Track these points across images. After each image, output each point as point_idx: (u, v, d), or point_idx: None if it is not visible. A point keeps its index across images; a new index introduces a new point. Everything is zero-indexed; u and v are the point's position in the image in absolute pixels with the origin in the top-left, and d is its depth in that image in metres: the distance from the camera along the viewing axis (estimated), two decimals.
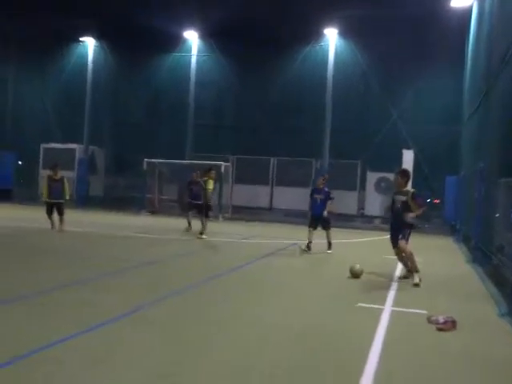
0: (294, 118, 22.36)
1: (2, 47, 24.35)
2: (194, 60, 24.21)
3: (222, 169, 20.15)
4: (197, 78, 24.07)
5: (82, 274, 7.98)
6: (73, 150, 23.79)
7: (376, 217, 20.38)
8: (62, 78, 24.85)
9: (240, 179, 21.74)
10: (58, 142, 23.75)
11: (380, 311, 6.44)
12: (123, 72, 23.90)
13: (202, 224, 13.10)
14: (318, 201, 11.38)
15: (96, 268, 8.62)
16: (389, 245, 8.80)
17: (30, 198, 22.44)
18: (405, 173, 8.66)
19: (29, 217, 16.26)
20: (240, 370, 4.38)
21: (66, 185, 13.36)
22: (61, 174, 13.46)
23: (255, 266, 9.67)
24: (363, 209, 21.29)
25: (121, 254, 10.29)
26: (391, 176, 20.12)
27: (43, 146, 23.88)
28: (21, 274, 7.95)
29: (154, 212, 20.32)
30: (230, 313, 6.16)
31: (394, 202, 8.52)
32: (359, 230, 17.82)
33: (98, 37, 24.61)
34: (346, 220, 19.15)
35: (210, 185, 13.15)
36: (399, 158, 18.68)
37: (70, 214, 14.77)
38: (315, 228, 11.44)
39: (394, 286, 8.22)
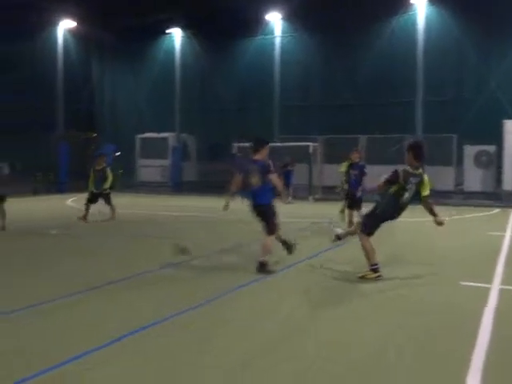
0: (383, 93, 21.65)
1: (97, 43, 25.69)
2: (277, 41, 24.12)
3: (311, 149, 20.01)
4: (281, 59, 23.97)
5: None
6: (166, 139, 24.74)
7: (476, 192, 19.30)
8: (152, 70, 25.80)
9: (329, 159, 21.45)
10: (152, 132, 24.74)
11: (487, 290, 6.12)
12: (209, 59, 24.38)
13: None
14: (353, 177, 10.81)
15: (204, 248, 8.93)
16: (493, 221, 8.31)
17: (129, 187, 23.70)
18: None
19: (128, 204, 17.13)
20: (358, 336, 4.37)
21: (109, 175, 12.87)
22: (103, 164, 13.02)
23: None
24: (461, 184, 20.23)
25: (224, 235, 10.62)
26: (492, 149, 19.07)
27: (138, 136, 25.03)
28: (133, 255, 8.47)
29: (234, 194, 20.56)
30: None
31: None
32: (458, 207, 16.97)
33: (183, 27, 25.22)
34: (442, 197, 18.30)
35: None
36: (499, 130, 17.50)
37: (166, 199, 15.44)
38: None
39: (501, 263, 7.76)
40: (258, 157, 7.38)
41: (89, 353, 4.21)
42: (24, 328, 4.89)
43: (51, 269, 7.53)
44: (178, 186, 23.46)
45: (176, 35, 25.69)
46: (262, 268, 7.03)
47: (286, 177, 17.74)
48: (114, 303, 5.74)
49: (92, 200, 12.73)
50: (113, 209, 12.92)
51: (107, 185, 12.78)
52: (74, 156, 23.66)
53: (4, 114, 21.07)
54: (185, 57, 25.62)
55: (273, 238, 7.34)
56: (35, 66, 22.98)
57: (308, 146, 20.03)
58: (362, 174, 10.81)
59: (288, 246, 7.74)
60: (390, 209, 6.64)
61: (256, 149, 7.44)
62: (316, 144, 20.69)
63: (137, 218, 13.96)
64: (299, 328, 4.93)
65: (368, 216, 6.83)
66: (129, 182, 24.51)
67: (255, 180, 7.28)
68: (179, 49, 25.73)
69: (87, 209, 12.56)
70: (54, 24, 24.35)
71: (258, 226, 7.54)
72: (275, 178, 7.43)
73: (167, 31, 25.53)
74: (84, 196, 13.32)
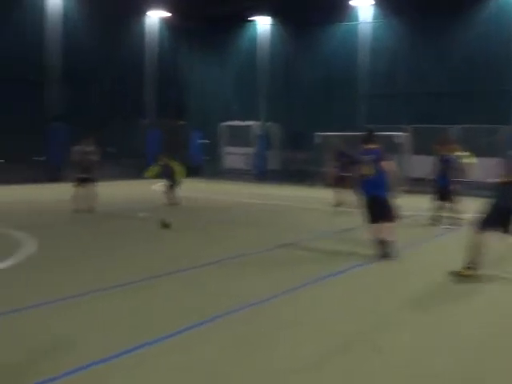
0: (476, 81, 20.42)
1: (186, 32, 26.30)
2: (364, 28, 23.44)
3: (399, 139, 19.38)
4: (368, 45, 23.28)
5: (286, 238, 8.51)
6: (250, 127, 24.98)
7: None
8: (238, 58, 26.06)
9: (418, 149, 20.63)
10: (238, 120, 25.04)
11: None
12: (294, 46, 24.18)
13: None
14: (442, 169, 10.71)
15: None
16: None
17: (215, 174, 24.26)
18: None
19: (213, 190, 17.54)
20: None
21: (176, 169, 13.42)
22: (165, 160, 13.55)
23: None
24: None
25: (314, 223, 10.64)
26: None
27: (223, 124, 25.45)
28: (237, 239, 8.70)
29: (330, 185, 20.34)
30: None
31: None
32: None
33: (269, 14, 25.20)
34: None
35: None
36: None
37: (249, 187, 15.65)
38: None
39: None
40: (371, 146, 7.61)
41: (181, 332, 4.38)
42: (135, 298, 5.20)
43: (156, 246, 8.07)
44: (262, 174, 23.67)
45: (260, 22, 25.73)
46: (385, 249, 7.28)
47: None
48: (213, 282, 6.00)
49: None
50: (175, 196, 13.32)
51: (179, 177, 13.40)
52: (163, 143, 24.56)
53: (100, 102, 22.29)
54: (270, 44, 25.61)
55: (394, 225, 7.51)
56: (129, 55, 23.99)
57: (396, 135, 19.37)
58: (450, 166, 10.46)
59: (384, 250, 7.44)
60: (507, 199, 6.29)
61: (369, 139, 7.70)
62: (405, 134, 19.99)
63: (222, 204, 14.29)
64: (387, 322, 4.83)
65: (485, 211, 6.42)
66: (215, 168, 25.09)
67: (368, 169, 7.45)
68: (264, 36, 25.76)
69: (170, 193, 13.23)
70: (146, 13, 25.23)
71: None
72: (390, 164, 7.49)
73: (251, 18, 25.62)
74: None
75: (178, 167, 13.53)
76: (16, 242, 8.12)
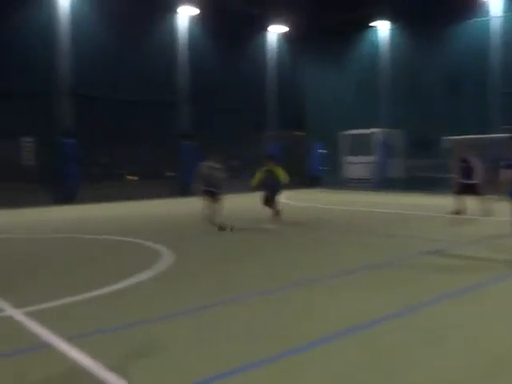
0: None
1: (304, 44, 26.54)
2: (494, 23, 21.86)
3: None
4: (501, 41, 21.67)
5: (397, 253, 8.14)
6: (372, 135, 24.43)
7: None
8: (357, 66, 25.65)
9: None
10: (358, 128, 24.65)
11: None
12: (417, 50, 23.22)
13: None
14: None
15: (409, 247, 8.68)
16: None
17: (336, 183, 24.07)
18: None
19: (335, 200, 17.38)
20: None
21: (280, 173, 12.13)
22: (271, 165, 12.20)
23: None
24: None
25: (436, 233, 10.14)
26: None
27: (344, 133, 25.20)
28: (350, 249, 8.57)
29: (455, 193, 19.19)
30: None
31: None
32: None
33: (389, 19, 24.58)
34: None
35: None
36: None
37: (371, 196, 15.29)
38: None
39: None
40: None
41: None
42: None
43: (287, 256, 8.08)
44: (383, 182, 23.02)
45: (381, 28, 25.15)
46: None
47: None
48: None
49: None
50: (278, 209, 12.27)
51: (283, 179, 12.14)
52: (285, 154, 24.92)
53: (225, 118, 23.22)
54: (391, 50, 24.91)
55: None
56: (251, 70, 24.73)
57: None
58: None
59: None
60: None
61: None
62: None
63: (349, 214, 14.12)
64: None
65: None
66: (335, 178, 24.91)
67: None
68: (385, 42, 25.13)
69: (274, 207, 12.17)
70: (265, 29, 25.91)
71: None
72: None
73: (371, 24, 25.14)
74: (294, 193, 13.90)
75: (281, 171, 12.30)
76: (155, 253, 8.66)
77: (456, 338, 4.55)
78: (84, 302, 5.82)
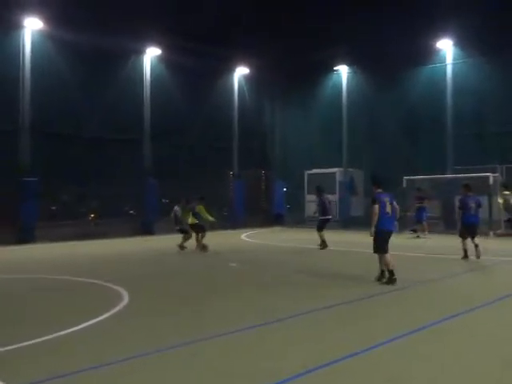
0: None
1: (268, 85, 27.23)
2: (449, 69, 23.04)
3: (490, 180, 18.57)
4: (453, 86, 22.80)
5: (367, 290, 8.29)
6: (334, 174, 24.97)
7: None
8: (320, 107, 26.37)
9: None
10: (320, 168, 25.17)
11: None
12: (377, 92, 24.10)
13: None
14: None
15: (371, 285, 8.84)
16: None
17: (298, 222, 24.33)
18: None
19: (301, 238, 17.60)
20: None
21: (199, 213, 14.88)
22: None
23: None
24: None
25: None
26: None
27: (307, 172, 25.68)
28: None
29: (415, 231, 19.75)
30: None
31: None
32: None
33: (350, 63, 25.54)
34: None
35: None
36: None
37: (335, 234, 15.54)
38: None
39: None
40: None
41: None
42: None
43: (315, 288, 8.09)
44: (346, 221, 23.39)
45: (343, 72, 26.07)
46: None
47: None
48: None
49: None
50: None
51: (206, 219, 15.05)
52: (248, 193, 25.16)
53: (188, 157, 23.34)
54: (352, 92, 25.81)
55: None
56: (215, 108, 25.11)
57: (488, 176, 18.61)
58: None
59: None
60: None
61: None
62: (496, 174, 19.13)
63: (311, 252, 14.30)
64: None
65: None
66: (297, 217, 25.20)
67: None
68: (346, 85, 26.03)
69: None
70: (231, 71, 26.47)
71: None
72: None
73: (335, 68, 26.02)
74: (257, 232, 14.08)
75: (203, 211, 14.91)
76: (114, 294, 8.56)
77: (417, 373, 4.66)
78: (33, 347, 5.70)
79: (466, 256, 12.21)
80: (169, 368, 4.95)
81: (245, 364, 5.07)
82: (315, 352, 5.36)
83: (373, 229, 9.10)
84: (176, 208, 15.27)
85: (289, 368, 4.83)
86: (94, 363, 5.07)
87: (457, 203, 12.65)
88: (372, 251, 9.38)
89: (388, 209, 9.19)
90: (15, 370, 4.95)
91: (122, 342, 5.91)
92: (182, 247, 14.94)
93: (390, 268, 9.09)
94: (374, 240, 9.25)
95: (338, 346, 5.58)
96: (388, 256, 9.13)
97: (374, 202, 9.20)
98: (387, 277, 9.12)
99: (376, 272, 9.44)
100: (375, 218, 9.08)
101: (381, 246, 9.18)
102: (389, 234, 9.28)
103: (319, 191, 15.84)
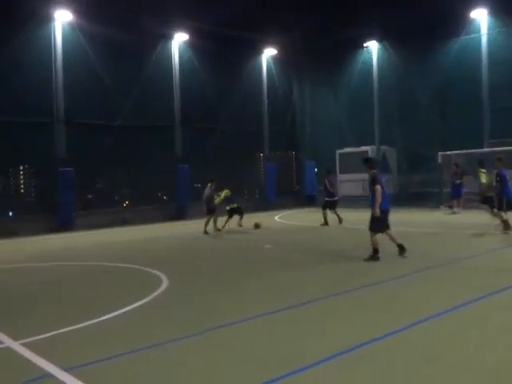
0: None
1: (297, 66, 26.92)
2: (484, 40, 22.25)
3: None
4: (488, 58, 22.05)
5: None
6: (365, 153, 24.59)
7: None
8: (350, 86, 25.94)
9: None
10: (351, 147, 24.88)
11: None
12: (408, 68, 23.53)
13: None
14: None
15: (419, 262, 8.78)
16: None
17: None
18: None
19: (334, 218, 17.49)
20: None
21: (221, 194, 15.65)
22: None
23: None
24: None
25: (431, 250, 10.23)
26: None
27: (338, 151, 25.43)
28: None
29: (451, 207, 19.40)
30: None
31: None
32: None
33: (380, 39, 24.99)
34: None
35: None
36: None
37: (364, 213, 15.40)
38: None
39: None
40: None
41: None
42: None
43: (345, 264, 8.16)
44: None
45: (373, 48, 25.55)
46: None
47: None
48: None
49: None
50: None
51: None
52: (279, 175, 25.13)
53: (220, 141, 23.40)
54: (382, 68, 25.27)
55: None
56: (244, 91, 25.03)
57: None
58: None
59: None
60: None
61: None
62: None
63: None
64: None
65: None
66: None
67: None
68: (377, 61, 25.50)
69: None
70: (259, 52, 26.27)
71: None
72: None
73: (365, 45, 25.52)
74: (289, 213, 14.06)
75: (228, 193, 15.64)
76: (154, 278, 8.73)
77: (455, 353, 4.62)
78: (83, 331, 5.90)
79: (507, 227, 12.11)
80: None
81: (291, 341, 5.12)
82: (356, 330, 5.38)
83: (377, 209, 9.32)
84: (206, 190, 15.78)
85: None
86: (147, 343, 5.30)
87: (494, 177, 12.37)
88: (369, 229, 9.63)
89: (385, 188, 9.61)
90: (76, 351, 5.19)
91: (168, 323, 6.06)
92: (217, 229, 15.45)
93: (377, 247, 9.47)
94: (375, 219, 9.42)
95: (381, 323, 5.58)
96: (377, 237, 9.53)
97: (375, 182, 9.42)
98: (369, 254, 9.45)
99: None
100: (379, 198, 9.30)
101: (380, 225, 9.50)
102: (388, 213, 9.67)
103: (328, 172, 16.90)
